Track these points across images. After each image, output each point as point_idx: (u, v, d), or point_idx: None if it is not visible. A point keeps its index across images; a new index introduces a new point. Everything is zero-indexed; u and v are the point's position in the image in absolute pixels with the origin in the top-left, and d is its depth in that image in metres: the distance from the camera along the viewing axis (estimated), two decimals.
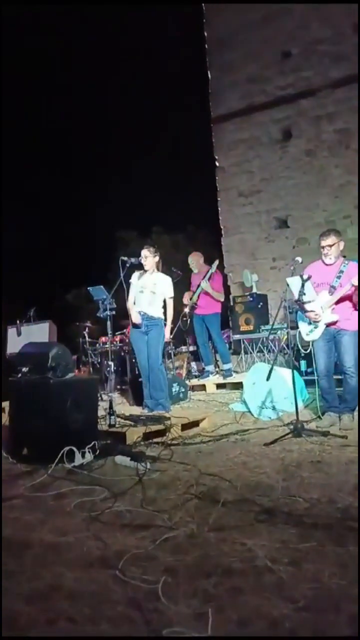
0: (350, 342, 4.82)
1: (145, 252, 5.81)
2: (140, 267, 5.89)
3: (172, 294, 5.90)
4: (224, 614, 1.75)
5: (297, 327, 5.17)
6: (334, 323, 4.82)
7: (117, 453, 4.02)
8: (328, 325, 4.85)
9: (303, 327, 5.02)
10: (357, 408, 5.05)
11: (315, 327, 4.89)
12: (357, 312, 4.91)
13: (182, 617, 1.74)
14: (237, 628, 1.68)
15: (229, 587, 1.93)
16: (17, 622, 1.77)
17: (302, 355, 6.58)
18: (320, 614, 1.73)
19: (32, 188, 23.34)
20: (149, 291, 5.78)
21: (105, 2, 21.72)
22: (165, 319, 5.85)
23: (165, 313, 5.85)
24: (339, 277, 4.83)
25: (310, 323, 4.93)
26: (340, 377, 5.05)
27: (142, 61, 25.32)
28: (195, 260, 8.11)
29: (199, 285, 7.82)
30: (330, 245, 4.89)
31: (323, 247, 4.92)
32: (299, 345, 5.40)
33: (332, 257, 4.91)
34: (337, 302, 4.80)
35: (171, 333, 7.83)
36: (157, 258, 5.86)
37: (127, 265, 5.62)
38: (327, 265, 4.93)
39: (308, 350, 5.22)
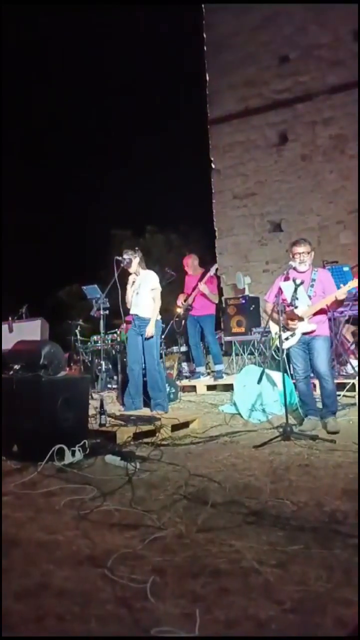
0: (323, 347, 4.92)
1: (125, 256, 5.83)
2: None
3: (154, 285, 5.87)
4: (211, 614, 1.78)
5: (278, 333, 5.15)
6: (312, 332, 4.90)
7: (107, 452, 4.03)
8: (304, 334, 4.92)
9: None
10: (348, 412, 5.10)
11: (292, 335, 4.96)
12: (327, 318, 5.05)
13: (170, 617, 1.76)
14: (225, 629, 1.71)
15: (217, 588, 1.96)
16: (6, 620, 1.78)
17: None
18: (306, 616, 1.76)
19: (26, 186, 23.27)
20: (135, 293, 5.86)
21: (105, 3, 21.70)
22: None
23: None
24: (312, 286, 4.94)
25: (286, 330, 4.98)
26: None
27: (140, 62, 25.31)
28: (190, 262, 8.15)
29: (194, 288, 7.86)
30: (307, 252, 4.98)
31: (299, 254, 4.97)
32: (272, 352, 5.41)
33: (306, 263, 4.99)
34: (315, 314, 4.89)
35: (163, 333, 7.87)
36: (137, 258, 5.88)
37: (122, 264, 5.65)
38: (300, 272, 4.99)
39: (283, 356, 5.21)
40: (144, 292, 5.82)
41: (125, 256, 5.81)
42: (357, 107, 9.92)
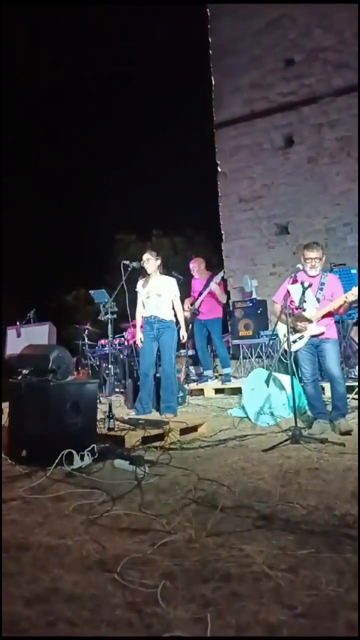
0: (334, 350, 4.93)
1: (147, 255, 5.87)
2: (141, 272, 5.94)
3: (178, 293, 5.98)
4: (222, 619, 1.77)
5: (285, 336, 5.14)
6: (320, 334, 4.89)
7: (116, 457, 4.03)
8: (312, 336, 4.91)
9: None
10: (356, 416, 5.08)
11: (300, 338, 4.95)
12: (334, 321, 5.07)
13: (181, 622, 1.75)
14: (235, 633, 1.69)
15: (227, 593, 1.94)
16: (17, 625, 1.78)
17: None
18: (317, 621, 1.74)
19: (32, 190, 23.37)
20: (155, 295, 5.83)
21: (110, 7, 21.79)
22: (178, 320, 5.94)
23: (176, 315, 5.93)
24: (321, 289, 4.94)
25: (294, 333, 4.96)
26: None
27: (146, 67, 25.40)
28: (196, 266, 8.15)
29: (200, 292, 7.86)
30: (319, 258, 4.98)
31: (311, 259, 4.97)
32: (280, 356, 5.40)
33: (317, 269, 5.00)
34: (323, 317, 4.88)
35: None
36: (158, 261, 5.91)
37: (129, 269, 5.66)
38: (310, 277, 4.99)
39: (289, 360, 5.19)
40: (166, 296, 5.84)
41: (145, 255, 5.85)
42: None
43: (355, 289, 4.70)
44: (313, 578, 2.03)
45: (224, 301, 8.05)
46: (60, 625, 1.77)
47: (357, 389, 6.12)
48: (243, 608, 1.83)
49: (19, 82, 21.41)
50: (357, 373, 6.79)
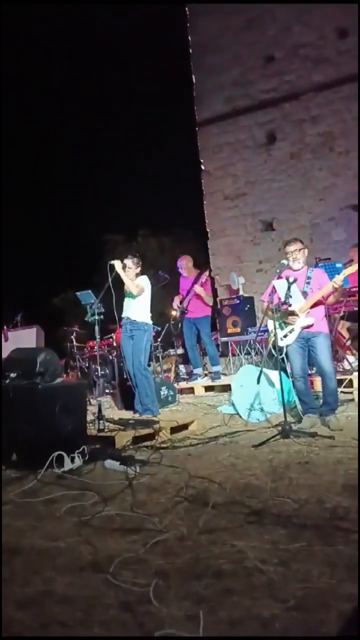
0: (325, 344, 4.94)
1: (128, 263, 5.83)
2: None
3: (148, 290, 5.88)
4: (215, 615, 1.77)
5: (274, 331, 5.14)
6: (310, 326, 4.90)
7: (107, 457, 4.02)
8: (303, 328, 4.93)
9: (278, 332, 5.06)
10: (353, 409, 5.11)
11: (291, 332, 4.96)
12: (324, 315, 5.08)
13: (174, 619, 1.75)
14: (229, 629, 1.70)
15: (220, 589, 1.95)
16: (10, 628, 1.77)
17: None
18: (310, 613, 1.75)
19: (20, 192, 23.25)
20: (127, 296, 5.84)
21: (87, 6, 21.71)
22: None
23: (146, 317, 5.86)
24: (308, 283, 4.97)
25: (284, 327, 4.97)
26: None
27: (126, 66, 25.34)
28: (184, 264, 8.12)
29: (189, 291, 7.83)
30: (299, 250, 5.02)
31: (291, 253, 5.02)
32: (272, 350, 5.38)
33: (300, 261, 5.03)
34: (312, 307, 4.90)
35: (158, 336, 7.86)
36: (139, 269, 5.89)
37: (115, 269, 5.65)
38: (295, 271, 5.01)
39: (281, 356, 5.19)
40: (139, 297, 5.81)
41: (127, 261, 5.81)
42: (344, 104, 9.99)
43: (340, 276, 4.72)
44: (305, 571, 2.04)
45: (211, 303, 7.99)
46: (53, 627, 1.77)
47: (345, 383, 6.16)
48: (236, 603, 1.84)
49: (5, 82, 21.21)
50: (345, 367, 6.82)
